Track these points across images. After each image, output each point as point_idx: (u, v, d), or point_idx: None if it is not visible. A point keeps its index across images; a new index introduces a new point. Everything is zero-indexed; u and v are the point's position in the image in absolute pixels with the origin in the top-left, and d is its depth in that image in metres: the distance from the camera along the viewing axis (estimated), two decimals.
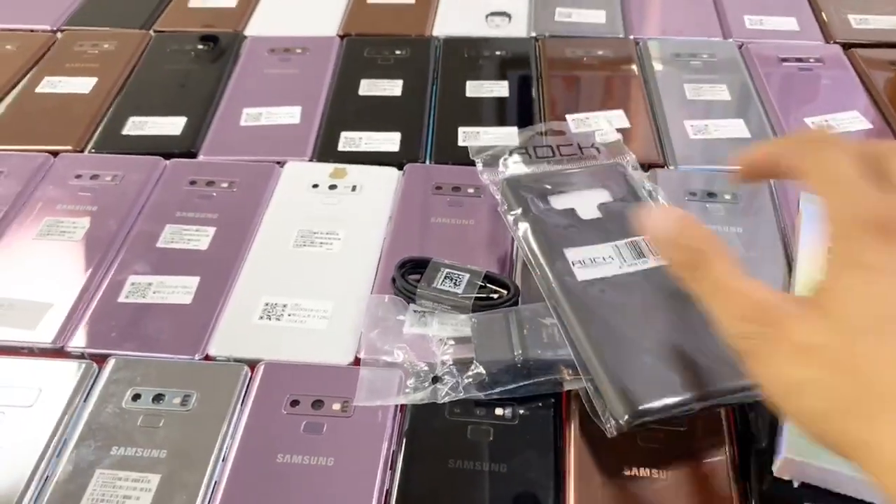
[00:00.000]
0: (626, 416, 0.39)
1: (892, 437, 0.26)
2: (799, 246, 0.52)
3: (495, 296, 0.49)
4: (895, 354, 0.27)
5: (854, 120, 0.67)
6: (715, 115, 0.67)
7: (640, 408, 0.39)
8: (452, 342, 0.47)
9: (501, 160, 0.56)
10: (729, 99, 0.69)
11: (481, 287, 0.49)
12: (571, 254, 0.47)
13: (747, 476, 0.43)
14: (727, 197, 0.58)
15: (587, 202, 0.51)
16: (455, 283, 0.49)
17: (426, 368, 0.47)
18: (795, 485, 0.42)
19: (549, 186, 0.52)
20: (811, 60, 0.74)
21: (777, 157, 0.35)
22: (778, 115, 0.67)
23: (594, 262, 0.47)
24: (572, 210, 0.51)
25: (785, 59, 0.74)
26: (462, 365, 0.46)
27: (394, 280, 0.51)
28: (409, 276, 0.51)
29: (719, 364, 0.41)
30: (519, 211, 0.51)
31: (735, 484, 0.42)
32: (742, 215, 0.57)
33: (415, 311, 0.51)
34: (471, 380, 0.45)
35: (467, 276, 0.50)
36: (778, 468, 0.41)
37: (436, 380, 0.46)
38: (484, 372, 0.45)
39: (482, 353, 0.46)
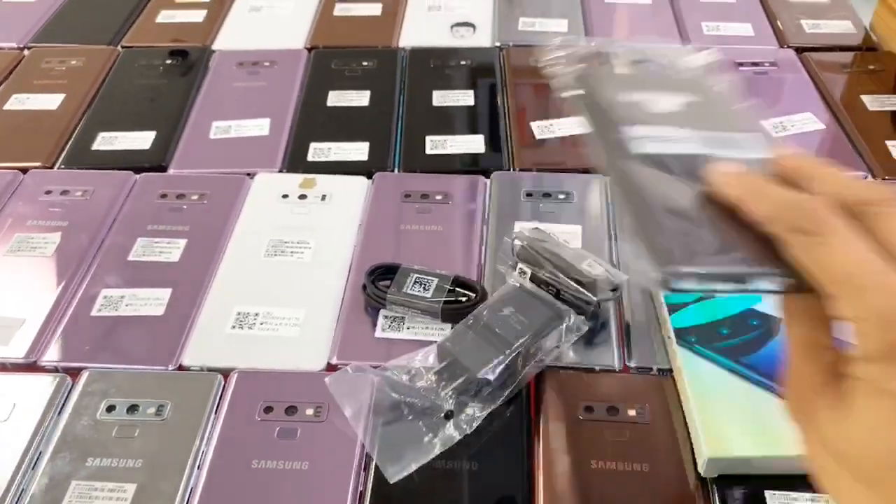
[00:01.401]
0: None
1: None
2: None
3: (464, 299, 0.51)
4: None
5: (807, 121, 0.69)
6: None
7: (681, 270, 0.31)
8: (435, 374, 0.46)
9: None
10: None
11: (450, 291, 0.51)
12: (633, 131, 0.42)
13: None
14: None
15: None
16: (424, 288, 0.51)
17: (430, 414, 0.45)
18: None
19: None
20: (766, 64, 0.76)
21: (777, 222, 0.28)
22: None
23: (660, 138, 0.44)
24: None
25: (741, 64, 0.76)
26: (462, 388, 0.46)
27: (364, 287, 0.52)
28: (379, 283, 0.52)
29: None
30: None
31: (698, 478, 0.44)
32: None
33: (385, 317, 0.52)
34: (479, 394, 0.46)
35: (436, 280, 0.51)
36: (704, 469, 0.43)
37: (449, 416, 0.45)
38: (491, 379, 0.45)
39: (476, 364, 0.46)
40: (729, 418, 0.44)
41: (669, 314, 0.50)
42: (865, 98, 0.71)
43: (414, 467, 0.43)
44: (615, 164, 0.41)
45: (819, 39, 0.80)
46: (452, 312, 0.50)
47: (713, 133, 0.39)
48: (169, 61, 0.77)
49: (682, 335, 0.48)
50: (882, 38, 0.81)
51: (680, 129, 0.40)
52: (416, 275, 0.51)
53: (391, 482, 0.43)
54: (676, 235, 0.36)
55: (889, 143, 0.66)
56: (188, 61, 0.77)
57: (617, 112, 0.42)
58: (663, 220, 0.38)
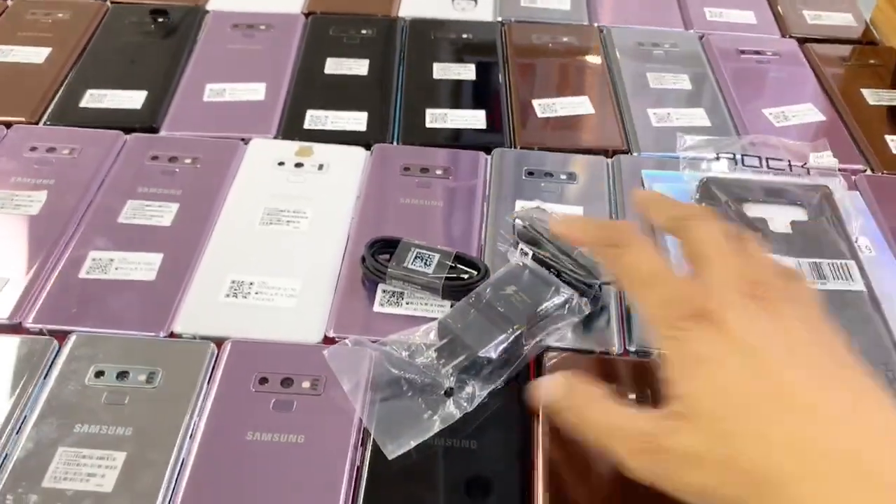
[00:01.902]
0: None
1: (807, 486, 0.28)
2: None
3: (465, 276, 0.50)
4: (762, 439, 0.30)
5: (808, 112, 0.69)
6: (676, 104, 0.69)
7: None
8: (436, 352, 0.45)
9: (705, 161, 0.57)
10: (690, 88, 0.71)
11: (451, 267, 0.50)
12: None
13: None
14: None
15: (782, 216, 0.52)
16: (425, 263, 0.49)
17: (430, 391, 0.45)
18: None
19: (747, 194, 0.53)
20: (769, 54, 0.76)
21: (594, 242, 0.39)
22: (737, 105, 0.69)
23: None
24: (764, 220, 0.52)
25: (743, 52, 0.76)
26: (463, 366, 0.45)
27: (363, 259, 0.51)
28: (378, 256, 0.51)
29: None
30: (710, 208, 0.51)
31: None
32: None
33: (384, 292, 0.51)
34: (480, 373, 0.45)
35: (437, 255, 0.50)
36: None
37: (449, 393, 0.45)
38: (494, 357, 0.45)
39: (478, 343, 0.45)
40: None
41: None
42: (865, 92, 0.71)
43: (413, 444, 0.43)
44: None
45: (820, 31, 0.80)
46: (454, 289, 0.49)
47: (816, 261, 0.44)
48: (160, 19, 0.75)
49: None
50: (883, 32, 0.81)
51: (789, 258, 0.45)
52: (418, 250, 0.50)
53: (389, 459, 0.42)
54: None
55: (888, 137, 0.66)
56: (180, 20, 0.75)
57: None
58: None
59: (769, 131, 0.66)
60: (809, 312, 0.34)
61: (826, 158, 0.60)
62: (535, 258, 0.50)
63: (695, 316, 0.32)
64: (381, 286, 0.51)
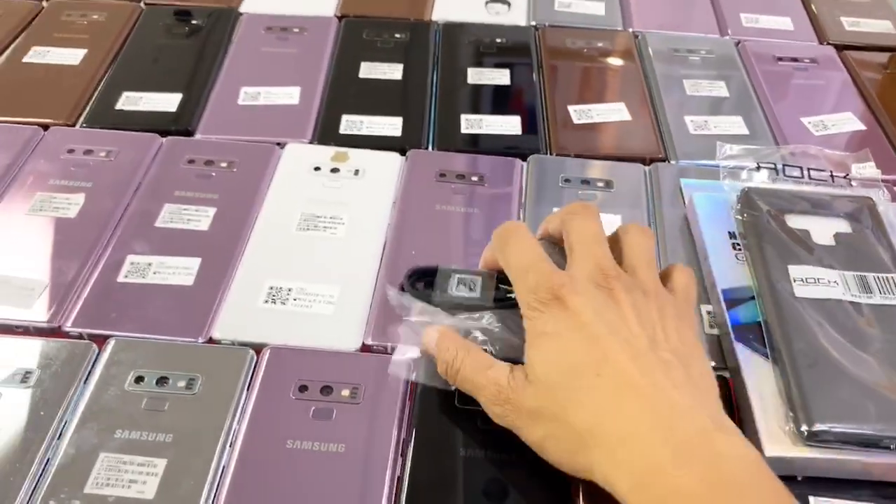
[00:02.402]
0: (805, 428, 0.41)
1: (600, 462, 0.36)
2: (703, 237, 0.54)
3: (512, 295, 0.46)
4: (579, 399, 0.37)
5: (848, 121, 0.68)
6: (714, 112, 0.68)
7: (818, 427, 0.41)
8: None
9: (746, 171, 0.56)
10: (727, 95, 0.70)
11: (496, 288, 0.47)
12: (795, 270, 0.48)
13: None
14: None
15: (825, 228, 0.51)
16: (470, 289, 0.48)
17: None
18: (799, 478, 0.43)
19: (789, 205, 0.52)
20: (806, 60, 0.75)
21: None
22: (775, 113, 0.68)
23: (817, 282, 0.47)
24: (807, 231, 0.51)
25: (780, 59, 0.75)
26: None
27: (402, 289, 0.49)
28: (418, 285, 0.48)
29: None
30: (752, 219, 0.51)
31: None
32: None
33: None
34: None
35: (479, 279, 0.47)
36: None
37: None
38: None
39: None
40: (784, 418, 0.43)
41: (727, 310, 0.48)
42: None
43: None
44: (777, 299, 0.46)
45: (859, 38, 0.79)
46: (506, 308, 0.46)
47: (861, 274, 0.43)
48: (194, 21, 0.75)
49: (740, 332, 0.47)
50: None
51: (833, 270, 0.47)
52: (458, 275, 0.48)
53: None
54: (821, 391, 0.42)
55: None
56: (213, 22, 0.75)
57: (781, 242, 0.49)
58: (810, 374, 0.43)
59: (808, 140, 0.65)
60: (648, 300, 0.40)
61: (869, 169, 0.59)
62: None
63: (550, 300, 0.38)
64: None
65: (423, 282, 0.48)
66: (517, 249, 0.42)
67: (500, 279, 0.48)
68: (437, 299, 0.47)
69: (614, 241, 0.44)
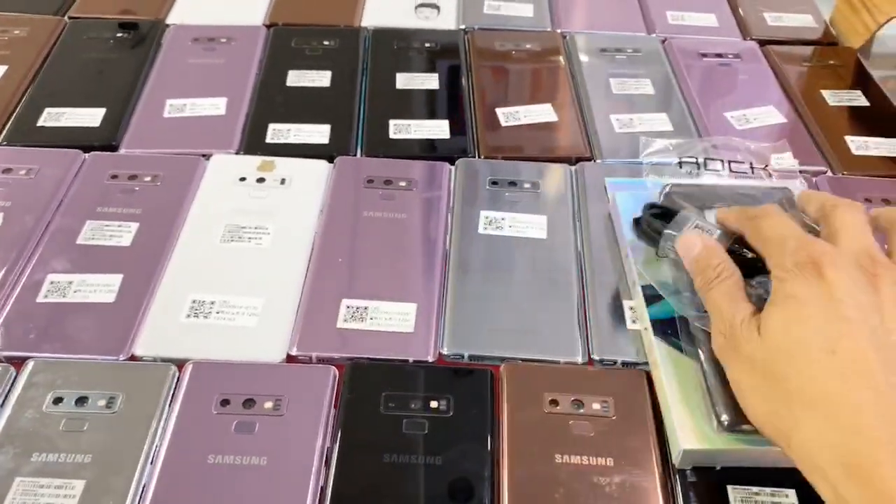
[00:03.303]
0: (725, 418, 0.42)
1: (810, 438, 0.35)
2: (624, 235, 0.54)
3: (749, 254, 0.46)
4: (804, 370, 0.36)
5: (769, 114, 0.70)
6: (639, 109, 0.69)
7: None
8: None
9: (668, 166, 0.57)
10: (653, 93, 0.71)
11: (732, 246, 0.46)
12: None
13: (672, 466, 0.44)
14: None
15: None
16: (707, 234, 0.47)
17: None
18: (717, 468, 0.43)
19: (710, 200, 0.52)
20: (730, 56, 0.76)
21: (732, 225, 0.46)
22: (699, 108, 0.69)
23: None
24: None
25: (705, 55, 0.76)
26: None
27: (637, 221, 0.50)
28: (654, 219, 0.50)
29: None
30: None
31: (663, 473, 0.43)
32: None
33: (347, 307, 0.50)
34: None
35: (719, 231, 0.48)
36: (679, 461, 0.43)
37: None
38: None
39: None
40: (703, 411, 0.43)
41: (646, 305, 0.49)
42: (825, 93, 0.72)
43: None
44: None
45: (781, 33, 0.81)
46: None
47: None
48: (119, 34, 0.74)
49: (659, 326, 0.48)
50: (841, 32, 0.82)
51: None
52: (699, 221, 0.48)
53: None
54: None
55: (848, 138, 0.67)
56: (140, 35, 0.74)
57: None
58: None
59: (731, 134, 0.66)
60: None
61: (787, 160, 0.60)
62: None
63: (808, 264, 0.38)
64: (344, 301, 0.51)
65: (661, 216, 0.50)
66: (774, 222, 0.42)
67: (738, 240, 0.47)
68: (668, 231, 0.49)
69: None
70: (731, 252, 0.47)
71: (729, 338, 0.40)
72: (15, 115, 0.64)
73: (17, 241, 0.54)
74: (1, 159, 0.60)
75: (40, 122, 0.64)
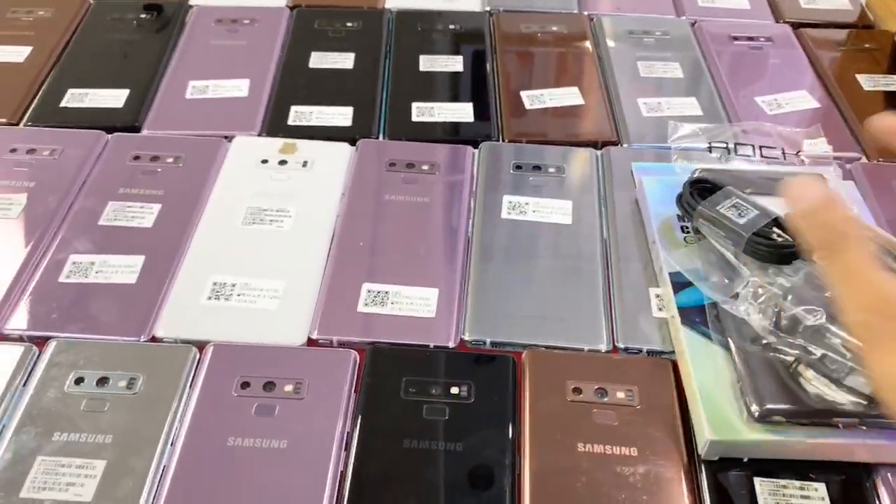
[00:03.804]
0: (756, 408, 0.41)
1: None
2: (651, 221, 0.53)
3: (779, 238, 0.46)
4: None
5: (802, 99, 0.68)
6: (667, 93, 0.68)
7: (769, 406, 0.41)
8: None
9: (697, 151, 0.56)
10: (681, 76, 0.69)
11: (765, 227, 0.46)
12: None
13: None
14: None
15: (776, 208, 0.48)
16: (739, 214, 0.47)
17: None
18: (745, 460, 0.42)
19: (739, 186, 0.51)
20: (761, 39, 0.74)
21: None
22: (730, 93, 0.68)
23: None
24: None
25: (736, 38, 0.74)
26: None
27: (681, 195, 0.51)
28: (697, 194, 0.50)
29: None
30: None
31: (688, 464, 0.43)
32: None
33: (368, 291, 0.50)
34: None
35: (756, 212, 0.47)
36: (706, 452, 0.42)
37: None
38: None
39: None
40: (731, 401, 0.42)
41: (674, 292, 0.48)
42: (860, 77, 0.70)
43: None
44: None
45: (815, 15, 0.79)
46: (760, 247, 0.46)
47: None
48: (143, 15, 0.74)
49: (687, 315, 0.47)
50: (878, 16, 0.79)
51: None
52: (738, 199, 0.48)
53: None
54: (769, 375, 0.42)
55: None
56: (163, 16, 0.74)
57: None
58: (759, 358, 0.43)
59: (762, 120, 0.64)
60: None
61: (820, 145, 0.58)
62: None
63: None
64: (365, 285, 0.50)
65: (703, 189, 0.50)
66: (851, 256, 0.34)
67: (777, 222, 0.47)
68: (701, 207, 0.49)
69: None
70: (761, 235, 0.46)
71: (884, 314, 0.32)
72: (39, 96, 0.64)
73: (41, 221, 0.54)
74: (25, 140, 0.60)
75: (64, 103, 0.64)
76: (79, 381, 0.45)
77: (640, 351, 0.48)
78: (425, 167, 0.59)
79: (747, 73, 0.71)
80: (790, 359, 0.43)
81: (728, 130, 0.60)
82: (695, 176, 0.52)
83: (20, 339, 0.47)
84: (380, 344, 0.48)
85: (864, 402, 0.41)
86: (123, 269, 0.51)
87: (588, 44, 0.73)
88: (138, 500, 0.40)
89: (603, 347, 0.48)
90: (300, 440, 0.43)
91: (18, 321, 0.48)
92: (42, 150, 0.59)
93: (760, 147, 0.58)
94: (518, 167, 0.59)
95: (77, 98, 0.64)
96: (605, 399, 0.45)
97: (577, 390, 0.45)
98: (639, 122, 0.64)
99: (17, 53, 0.68)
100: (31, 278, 0.50)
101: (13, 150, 0.59)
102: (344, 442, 0.43)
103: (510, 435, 0.43)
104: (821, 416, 0.41)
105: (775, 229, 0.47)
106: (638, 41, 0.73)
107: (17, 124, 0.62)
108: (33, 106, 0.64)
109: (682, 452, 0.43)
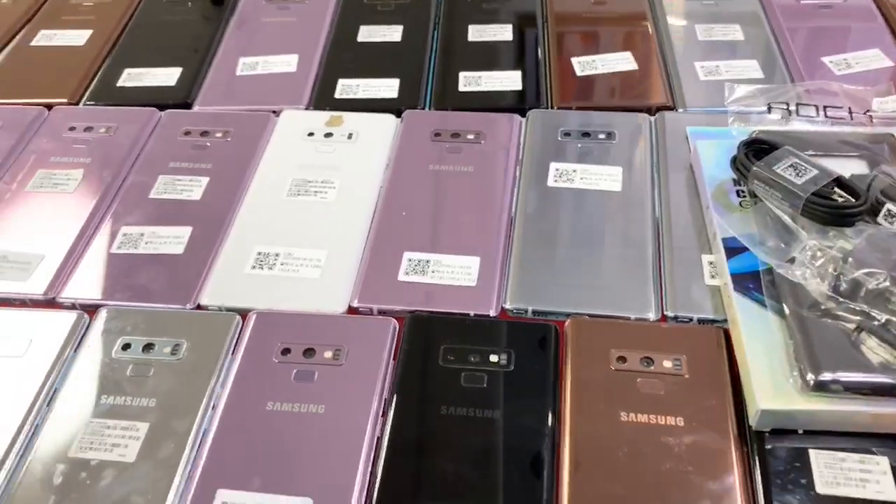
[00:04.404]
0: (811, 377, 0.39)
1: None
2: (705, 185, 0.50)
3: (839, 199, 0.44)
4: None
5: (875, 58, 0.64)
6: (726, 56, 0.64)
7: (826, 376, 0.39)
8: None
9: (756, 113, 0.54)
10: (742, 39, 0.66)
11: (825, 186, 0.44)
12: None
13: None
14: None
15: (839, 170, 0.46)
16: (798, 174, 0.45)
17: None
18: (800, 431, 0.40)
19: (798, 147, 0.48)
20: None
21: None
22: (794, 55, 0.64)
23: None
24: None
25: None
26: None
27: (735, 157, 0.49)
28: (752, 154, 0.48)
29: None
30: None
31: (739, 436, 0.41)
32: None
33: (409, 261, 0.49)
34: None
35: (815, 172, 0.45)
36: (756, 422, 0.40)
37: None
38: None
39: None
40: (785, 370, 0.40)
41: (727, 259, 0.46)
42: None
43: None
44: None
45: None
46: (819, 209, 0.44)
47: None
48: None
49: (740, 281, 0.45)
50: None
51: None
52: (796, 159, 0.46)
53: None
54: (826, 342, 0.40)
55: None
56: None
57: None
58: (816, 324, 0.41)
59: (830, 81, 0.61)
60: None
61: (891, 103, 0.54)
62: None
63: None
64: (406, 254, 0.50)
65: (759, 151, 0.48)
66: None
67: (839, 182, 0.45)
68: (756, 167, 0.46)
69: None
70: (821, 195, 0.44)
71: None
72: (97, 76, 0.66)
73: (95, 194, 0.55)
74: (83, 118, 0.62)
75: (120, 83, 0.65)
76: (126, 347, 0.46)
77: (690, 320, 0.46)
78: (470, 136, 0.58)
79: (814, 33, 0.67)
80: (851, 325, 0.41)
81: (790, 91, 0.56)
82: (751, 137, 0.50)
83: (73, 306, 0.49)
84: (419, 312, 0.47)
85: None
86: (171, 240, 0.52)
87: (643, 8, 0.70)
88: (179, 461, 0.41)
89: (651, 316, 0.46)
90: (338, 406, 0.43)
91: (71, 290, 0.50)
92: (98, 127, 0.61)
93: (825, 107, 0.54)
94: (567, 134, 0.58)
95: (133, 77, 0.66)
96: (651, 368, 0.43)
97: (622, 359, 0.44)
98: (695, 86, 0.62)
99: (78, 37, 0.70)
100: (85, 249, 0.52)
101: (72, 129, 0.61)
102: (382, 408, 0.43)
103: (550, 403, 0.42)
104: (883, 386, 0.39)
105: (837, 189, 0.45)
106: (696, 3, 0.70)
107: (77, 104, 0.64)
108: (92, 86, 0.65)
109: (733, 423, 0.41)
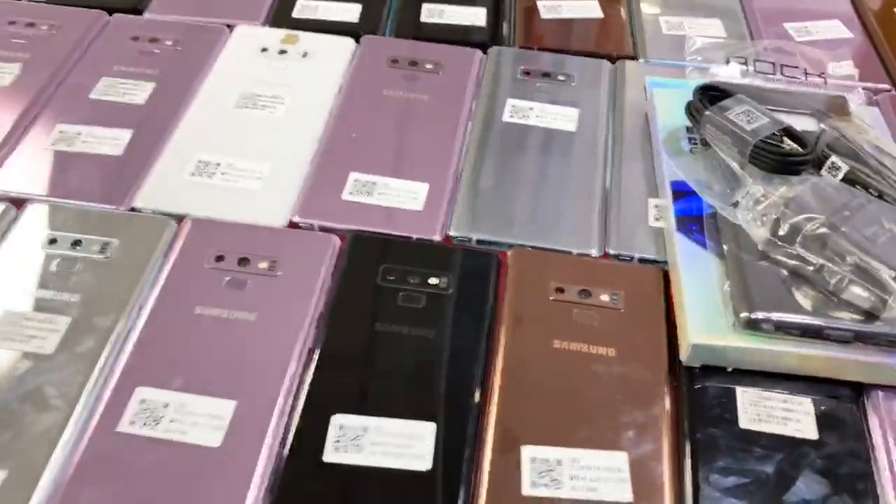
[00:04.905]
0: (745, 314, 0.39)
1: None
2: (658, 131, 0.51)
3: (786, 147, 0.44)
4: None
5: (834, 28, 0.64)
6: (692, 13, 0.64)
7: (758, 315, 0.39)
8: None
9: (714, 66, 0.53)
10: None
11: (775, 135, 0.45)
12: None
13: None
14: None
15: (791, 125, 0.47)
16: (749, 120, 0.45)
17: None
18: (729, 370, 0.41)
19: (755, 100, 0.48)
20: None
21: None
22: (757, 18, 0.64)
23: None
24: None
25: None
26: None
27: (690, 102, 0.49)
28: (707, 100, 0.47)
29: None
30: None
31: (668, 370, 0.41)
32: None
33: (355, 181, 0.48)
34: None
35: (766, 120, 0.45)
36: (688, 356, 0.40)
37: None
38: None
39: None
40: (720, 308, 0.40)
41: (673, 201, 0.46)
42: None
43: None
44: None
45: None
46: (767, 156, 0.44)
47: None
48: None
49: (684, 223, 0.45)
50: None
51: None
52: (748, 107, 0.46)
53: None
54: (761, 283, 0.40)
55: None
56: None
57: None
58: (753, 266, 0.41)
59: None
60: None
61: (845, 68, 0.55)
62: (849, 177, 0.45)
63: None
64: (352, 174, 0.49)
65: (714, 98, 0.48)
66: None
67: (787, 132, 0.45)
68: (709, 112, 0.46)
69: None
70: (768, 142, 0.44)
71: None
72: None
73: (32, 90, 0.53)
74: (25, 13, 0.59)
75: None
76: (52, 241, 0.44)
77: (631, 258, 0.46)
78: (429, 66, 0.57)
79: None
80: (785, 270, 0.41)
81: (749, 47, 0.57)
82: (707, 83, 0.50)
83: (1, 199, 0.47)
84: (362, 231, 0.46)
85: (861, 318, 0.39)
86: (110, 140, 0.50)
87: None
88: (98, 357, 0.39)
89: (593, 252, 0.46)
90: (270, 315, 0.42)
91: (0, 182, 0.47)
92: (41, 24, 0.58)
93: (782, 66, 0.55)
94: (526, 73, 0.57)
95: None
96: (588, 300, 0.43)
97: (560, 290, 0.44)
98: (658, 38, 0.62)
99: None
100: (17, 144, 0.50)
101: (12, 23, 0.58)
102: (315, 321, 0.42)
103: (486, 328, 0.42)
104: (813, 328, 0.39)
105: (785, 139, 0.45)
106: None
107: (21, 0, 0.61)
108: None
109: (664, 358, 0.41)
